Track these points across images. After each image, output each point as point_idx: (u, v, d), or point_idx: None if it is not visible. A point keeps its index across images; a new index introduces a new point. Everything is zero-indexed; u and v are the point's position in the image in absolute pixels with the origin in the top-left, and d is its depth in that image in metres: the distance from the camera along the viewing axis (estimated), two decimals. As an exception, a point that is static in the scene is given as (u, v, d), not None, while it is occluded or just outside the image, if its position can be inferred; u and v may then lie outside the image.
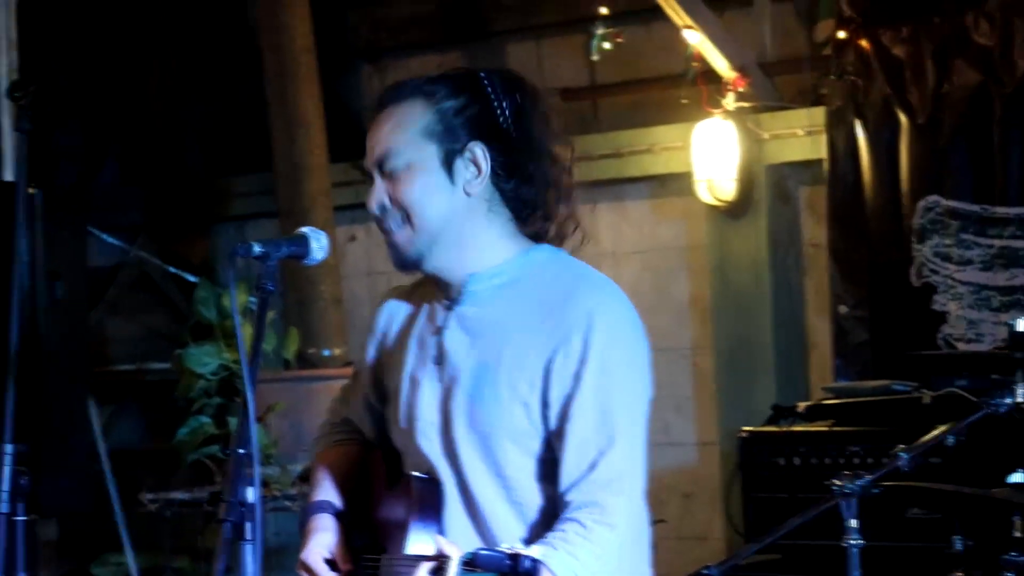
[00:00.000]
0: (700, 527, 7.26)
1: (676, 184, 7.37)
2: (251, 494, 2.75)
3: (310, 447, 3.52)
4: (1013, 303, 6.32)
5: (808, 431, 5.83)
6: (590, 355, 2.95)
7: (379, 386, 3.30)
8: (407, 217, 3.04)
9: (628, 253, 7.71)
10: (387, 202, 3.06)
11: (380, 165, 3.07)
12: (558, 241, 3.14)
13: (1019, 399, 4.05)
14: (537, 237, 3.12)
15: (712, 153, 7.07)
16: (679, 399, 7.39)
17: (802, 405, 6.06)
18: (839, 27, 6.90)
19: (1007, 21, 6.38)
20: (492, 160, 3.04)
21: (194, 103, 8.98)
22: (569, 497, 2.96)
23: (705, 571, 3.72)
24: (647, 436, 3.05)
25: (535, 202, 3.09)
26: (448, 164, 3.03)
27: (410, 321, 3.23)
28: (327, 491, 3.32)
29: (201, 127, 9.01)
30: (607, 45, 7.11)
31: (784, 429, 5.90)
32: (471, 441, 3.04)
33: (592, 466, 2.95)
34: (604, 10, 7.11)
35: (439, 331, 3.12)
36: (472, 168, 3.04)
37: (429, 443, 3.09)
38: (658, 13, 7.01)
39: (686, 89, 7.14)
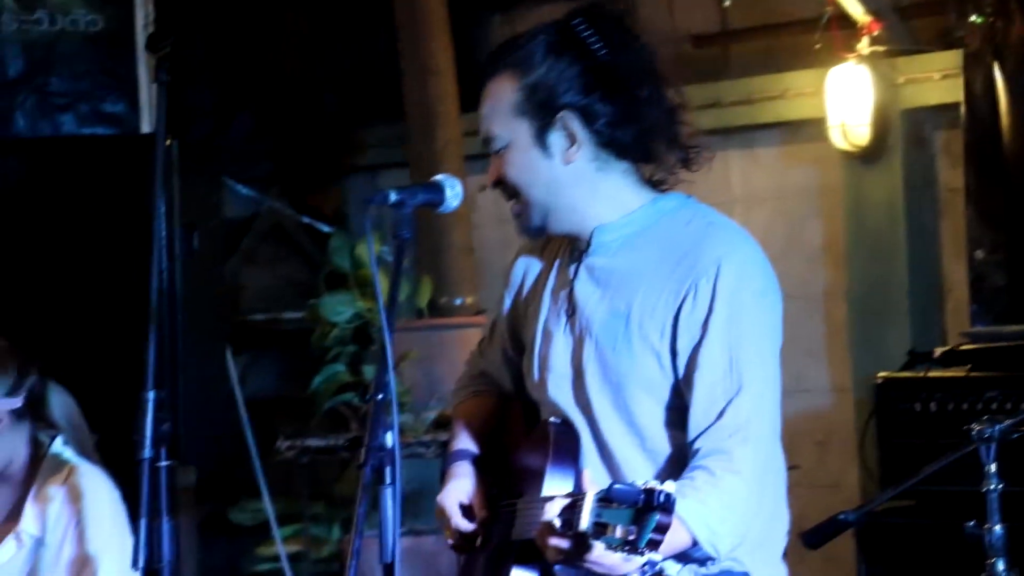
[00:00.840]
0: (834, 474, 7.22)
1: (809, 130, 7.31)
2: (390, 439, 2.78)
3: (448, 397, 3.57)
4: None
5: (945, 376, 5.78)
6: (717, 302, 2.95)
7: (516, 338, 3.33)
8: (516, 193, 3.09)
9: (760, 199, 7.67)
10: (497, 180, 3.11)
11: (486, 144, 3.13)
12: (680, 186, 3.14)
13: None
14: (661, 183, 3.13)
15: (846, 98, 7.00)
16: (812, 345, 7.35)
17: (939, 350, 6.01)
18: (976, -33, 6.81)
19: None
20: (592, 118, 3.04)
21: (327, 54, 9.03)
22: (698, 445, 2.97)
23: (841, 516, 3.72)
24: (780, 382, 3.04)
25: (648, 148, 3.08)
26: (541, 139, 3.05)
27: (543, 274, 3.25)
28: (466, 440, 3.36)
29: (334, 78, 9.06)
30: (740, -11, 7.07)
31: (920, 374, 5.86)
32: (603, 392, 3.05)
33: (720, 414, 2.96)
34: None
35: (570, 283, 3.13)
36: (567, 139, 3.05)
37: (563, 395, 3.12)
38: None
39: (819, 34, 7.07)
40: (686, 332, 2.97)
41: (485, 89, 3.11)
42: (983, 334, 6.15)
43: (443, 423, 6.75)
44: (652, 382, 3.01)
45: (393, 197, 2.93)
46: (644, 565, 2.76)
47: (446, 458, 3.37)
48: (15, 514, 4.13)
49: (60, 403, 4.25)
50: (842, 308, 7.30)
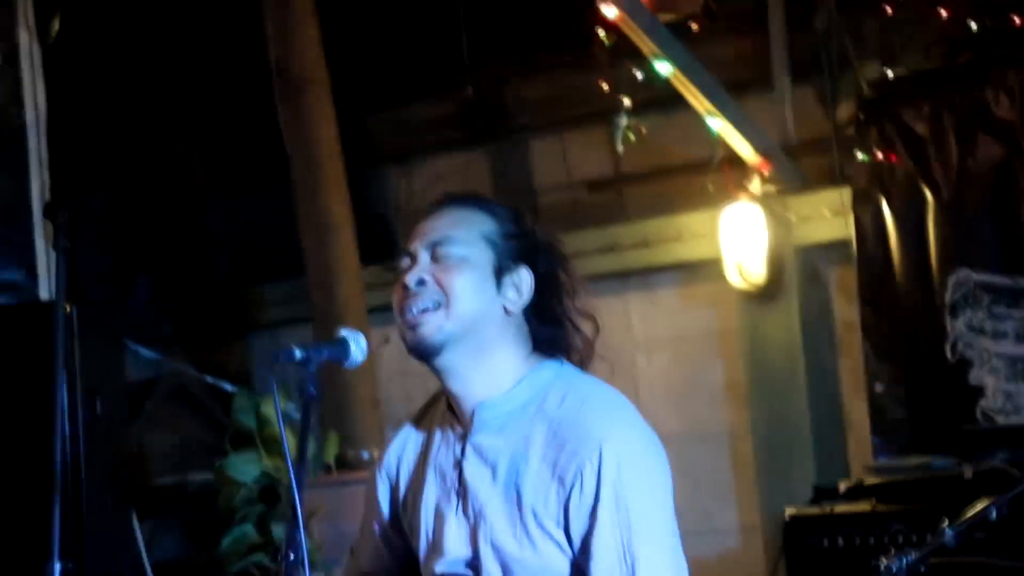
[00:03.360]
0: (748, 611, 7.23)
1: (706, 270, 7.39)
2: (302, 600, 2.76)
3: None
4: (1050, 374, 6.32)
5: (850, 512, 5.82)
6: (603, 490, 2.93)
7: (396, 520, 3.29)
8: (446, 301, 3.02)
9: (661, 341, 7.73)
10: (429, 280, 3.03)
11: (434, 246, 3.06)
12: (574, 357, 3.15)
13: (1061, 470, 4.05)
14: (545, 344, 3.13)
15: (740, 238, 7.10)
16: (719, 484, 7.37)
17: (843, 485, 6.05)
18: (860, 107, 6.96)
19: (1026, 94, 6.42)
20: (540, 289, 3.08)
21: (223, 216, 9.05)
22: None
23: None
24: (679, 556, 3.03)
25: (557, 344, 3.10)
26: (498, 274, 3.05)
27: (424, 449, 3.21)
28: None
29: (230, 239, 9.08)
30: (631, 135, 7.15)
31: (827, 511, 5.89)
32: None
33: None
34: (627, 101, 7.16)
35: (458, 463, 3.10)
36: (516, 290, 3.06)
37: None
38: (680, 102, 7.06)
39: (711, 176, 7.18)
40: (576, 520, 2.95)
41: (447, 209, 3.13)
42: (886, 467, 6.20)
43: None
44: (556, 571, 3.00)
45: (298, 355, 2.91)
46: None
47: None
48: None
49: None
50: (747, 446, 7.34)
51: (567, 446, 2.97)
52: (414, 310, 3.03)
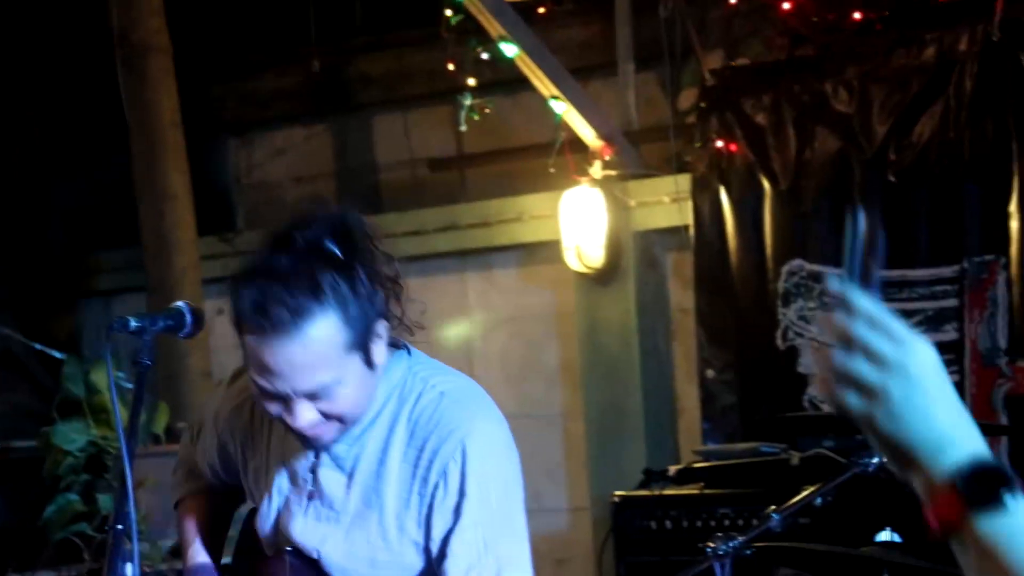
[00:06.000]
0: (574, 593, 7.29)
1: (545, 252, 7.43)
2: (130, 570, 2.73)
3: (172, 488, 3.49)
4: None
5: (679, 494, 5.89)
6: (468, 487, 2.93)
7: (227, 462, 3.28)
8: (344, 422, 2.94)
9: (498, 321, 7.75)
10: (321, 418, 2.91)
11: (311, 395, 2.87)
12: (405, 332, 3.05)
13: (884, 459, 4.12)
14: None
15: (580, 221, 7.14)
16: (550, 465, 7.43)
17: (672, 469, 6.12)
18: (702, 96, 7.03)
19: (864, 89, 6.53)
20: (387, 319, 2.96)
21: (59, 181, 8.90)
22: None
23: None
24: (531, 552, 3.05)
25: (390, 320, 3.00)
26: (369, 360, 2.91)
27: (267, 434, 3.16)
28: (201, 552, 3.32)
29: (66, 204, 8.94)
30: (474, 115, 7.16)
31: (655, 493, 5.96)
32: None
33: None
34: (471, 81, 7.17)
35: (312, 465, 3.07)
36: (381, 346, 2.94)
37: (304, 572, 3.09)
38: (524, 83, 7.08)
39: (553, 158, 7.21)
40: (439, 518, 2.94)
41: (293, 340, 2.79)
42: (715, 452, 6.28)
43: (178, 529, 6.65)
44: (410, 567, 3.00)
45: (134, 323, 2.86)
46: None
47: (186, 571, 3.33)
48: None
49: None
50: (580, 428, 7.39)
51: (428, 444, 2.97)
52: (310, 433, 2.94)
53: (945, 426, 1.67)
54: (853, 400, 1.67)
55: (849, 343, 1.67)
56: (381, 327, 2.92)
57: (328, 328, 2.81)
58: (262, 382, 2.85)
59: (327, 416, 2.90)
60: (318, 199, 3.08)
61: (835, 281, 1.69)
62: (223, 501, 3.40)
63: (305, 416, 2.88)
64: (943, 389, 1.68)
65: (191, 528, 3.37)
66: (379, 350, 2.92)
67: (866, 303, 1.67)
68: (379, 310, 2.90)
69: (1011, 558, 1.63)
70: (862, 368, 1.66)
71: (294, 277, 2.79)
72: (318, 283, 2.80)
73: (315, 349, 2.81)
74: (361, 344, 2.87)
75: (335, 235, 2.86)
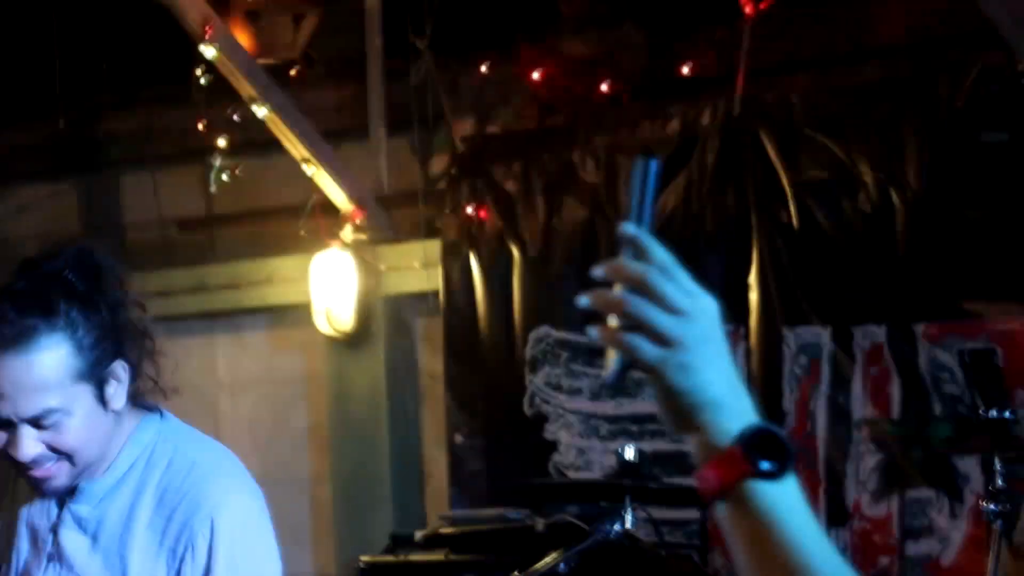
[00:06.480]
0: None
1: (295, 315, 7.39)
2: None
3: None
4: (620, 431, 6.52)
5: (426, 560, 5.88)
6: (216, 561, 2.89)
7: None
8: (69, 458, 2.87)
9: (246, 383, 7.69)
10: (44, 450, 2.84)
11: (34, 420, 2.82)
12: (154, 392, 3.00)
13: (627, 525, 4.18)
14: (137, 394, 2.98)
15: (330, 284, 7.13)
16: (296, 529, 7.36)
17: (419, 534, 6.11)
18: (453, 162, 7.08)
19: (611, 159, 6.64)
20: (129, 362, 2.91)
21: None
22: None
23: None
24: None
25: (139, 376, 2.96)
26: (102, 396, 2.86)
27: (12, 485, 3.09)
28: None
29: None
30: (225, 176, 7.11)
31: (401, 559, 5.94)
32: None
33: None
34: (222, 142, 7.12)
35: (54, 528, 3.00)
36: (117, 388, 2.89)
37: None
38: (277, 145, 7.06)
39: (304, 221, 7.19)
40: None
41: (12, 362, 2.76)
42: (461, 517, 6.29)
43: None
44: None
45: None
46: None
47: None
48: None
49: None
50: (327, 492, 7.36)
51: (176, 515, 2.92)
52: (38, 473, 2.88)
53: (731, 384, 1.65)
54: (646, 348, 1.62)
55: (643, 290, 1.62)
56: (120, 369, 2.88)
57: (56, 352, 2.78)
58: None
59: (55, 452, 2.84)
60: (73, 239, 3.04)
61: (629, 227, 1.64)
62: None
63: (29, 446, 2.82)
64: (726, 347, 1.66)
65: None
66: (116, 392, 2.88)
67: (660, 251, 1.63)
68: (119, 350, 2.87)
69: (781, 528, 1.63)
70: (658, 316, 1.61)
71: (29, 299, 2.78)
72: (51, 307, 2.78)
73: (40, 372, 2.78)
74: (92, 377, 2.83)
75: (79, 267, 2.85)
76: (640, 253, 1.63)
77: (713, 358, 1.64)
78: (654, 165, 1.65)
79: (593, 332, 1.65)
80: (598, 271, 1.66)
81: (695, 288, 1.64)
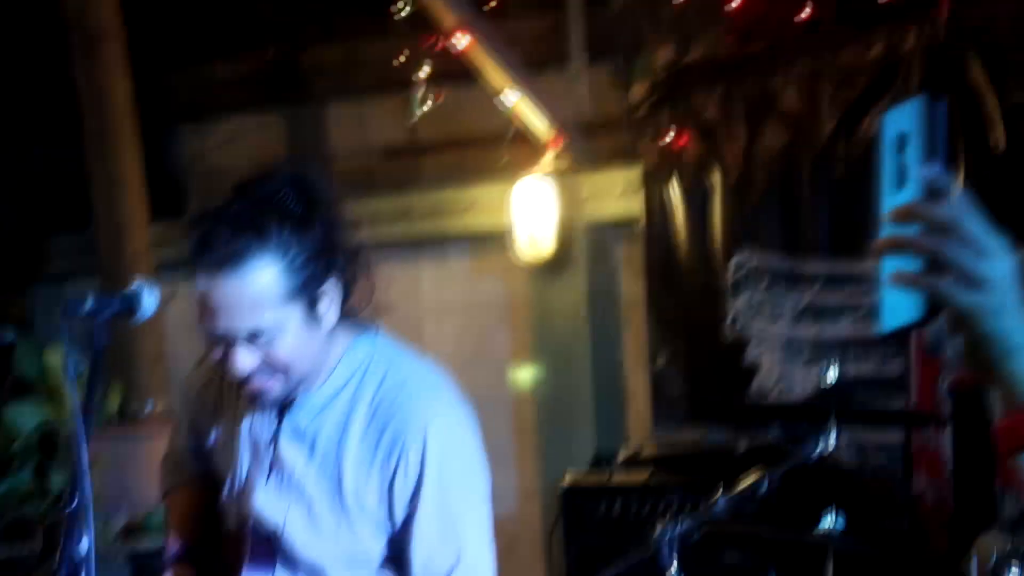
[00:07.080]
0: (523, 575, 7.34)
1: (497, 241, 7.46)
2: (84, 548, 2.76)
3: (159, 481, 3.54)
4: (821, 355, 6.49)
5: (628, 481, 5.94)
6: (427, 475, 2.97)
7: (199, 442, 3.33)
8: (283, 374, 2.97)
9: (450, 308, 7.79)
10: (260, 364, 2.94)
11: (249, 337, 2.91)
12: (369, 310, 3.08)
13: (828, 447, 4.18)
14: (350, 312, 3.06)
15: (531, 211, 7.19)
16: (501, 448, 7.46)
17: (621, 455, 6.17)
18: (653, 90, 7.07)
19: (812, 84, 6.59)
20: (341, 278, 2.98)
21: (10, 165, 8.89)
22: None
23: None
24: (493, 542, 3.07)
25: (351, 295, 3.04)
26: (314, 314, 2.94)
27: (233, 404, 3.21)
28: (175, 545, 3.36)
29: (18, 188, 8.92)
30: (427, 106, 7.19)
31: (604, 479, 6.01)
32: (308, 560, 3.08)
33: None
34: (424, 72, 7.19)
35: (273, 438, 3.11)
36: (331, 306, 2.97)
37: (264, 545, 3.13)
38: (477, 75, 7.12)
39: (505, 149, 7.25)
40: (399, 503, 2.99)
41: (230, 282, 2.85)
42: (663, 439, 6.32)
43: (132, 530, 6.68)
44: (366, 556, 3.04)
45: (90, 305, 2.89)
46: None
47: (164, 557, 3.37)
48: None
49: None
50: (530, 413, 7.44)
51: (390, 427, 3.00)
52: (255, 385, 2.99)
53: None
54: (958, 291, 1.53)
55: (948, 233, 1.53)
56: (332, 288, 2.95)
57: (269, 272, 2.86)
58: (205, 324, 2.90)
59: (269, 367, 2.94)
60: (286, 161, 3.12)
61: (934, 169, 1.54)
62: (209, 491, 3.40)
63: (244, 361, 2.92)
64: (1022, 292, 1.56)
65: (173, 522, 3.41)
66: (328, 310, 2.95)
67: (963, 195, 1.54)
68: (331, 270, 2.94)
69: None
70: (970, 257, 1.52)
71: (242, 220, 2.86)
72: (264, 227, 2.86)
73: (254, 290, 2.85)
74: (305, 296, 2.90)
75: (294, 189, 2.92)
76: (937, 195, 1.54)
77: (1019, 302, 1.55)
78: (943, 106, 1.58)
79: (889, 277, 1.56)
80: (891, 214, 1.56)
81: (993, 233, 1.55)
